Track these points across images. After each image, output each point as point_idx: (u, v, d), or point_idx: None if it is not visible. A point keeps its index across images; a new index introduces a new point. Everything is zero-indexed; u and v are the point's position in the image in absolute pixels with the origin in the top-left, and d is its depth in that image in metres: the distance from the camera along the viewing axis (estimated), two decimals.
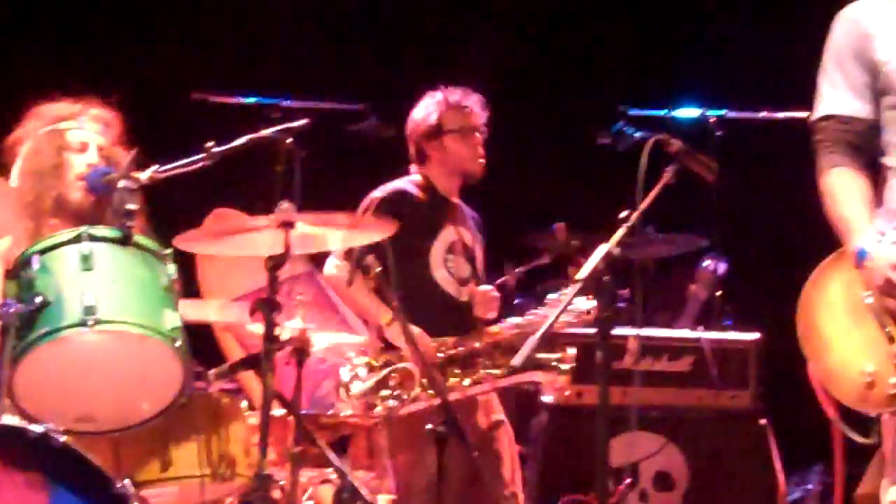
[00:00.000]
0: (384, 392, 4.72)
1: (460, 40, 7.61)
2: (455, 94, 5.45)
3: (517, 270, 6.36)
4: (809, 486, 5.78)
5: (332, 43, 7.31)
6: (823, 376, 3.51)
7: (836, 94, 3.57)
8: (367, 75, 7.21)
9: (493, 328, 5.22)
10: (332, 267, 5.19)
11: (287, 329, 4.33)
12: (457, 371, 5.06)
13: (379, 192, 5.33)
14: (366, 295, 5.02)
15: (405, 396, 4.72)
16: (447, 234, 5.38)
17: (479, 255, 5.54)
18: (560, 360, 5.02)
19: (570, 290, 4.23)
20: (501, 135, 5.63)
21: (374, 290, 4.80)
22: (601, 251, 4.03)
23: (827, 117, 3.59)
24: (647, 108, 5.91)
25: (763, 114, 5.72)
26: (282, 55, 7.18)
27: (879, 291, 3.36)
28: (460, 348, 5.08)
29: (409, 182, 5.43)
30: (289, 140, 4.34)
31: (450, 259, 5.34)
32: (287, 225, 4.02)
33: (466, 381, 5.06)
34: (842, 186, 3.51)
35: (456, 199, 5.52)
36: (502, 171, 5.72)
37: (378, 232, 4.36)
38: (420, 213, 5.28)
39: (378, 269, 4.57)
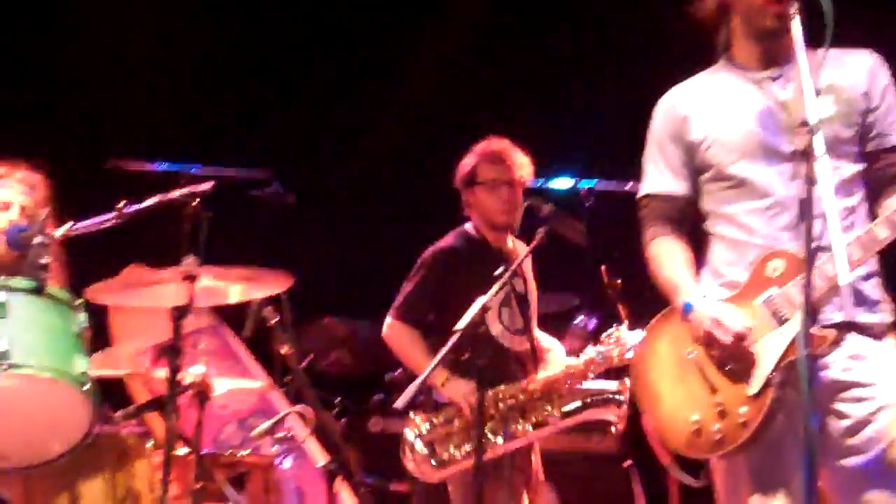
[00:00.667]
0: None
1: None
2: (495, 145, 5.20)
3: None
4: None
5: (242, 112, 7.33)
6: (656, 426, 3.57)
7: (658, 175, 3.64)
8: (275, 144, 7.26)
9: (544, 373, 5.04)
10: (387, 328, 5.16)
11: (189, 374, 4.41)
12: (518, 417, 4.90)
13: (430, 251, 5.15)
14: (421, 355, 4.95)
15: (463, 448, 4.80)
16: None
17: (532, 297, 5.24)
18: (618, 392, 5.00)
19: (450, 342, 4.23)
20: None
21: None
22: (478, 304, 4.17)
23: (650, 196, 3.69)
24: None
25: (630, 185, 5.80)
26: (193, 125, 7.21)
27: (701, 342, 3.43)
28: (520, 395, 4.91)
29: (460, 236, 5.20)
30: (195, 202, 4.43)
31: (504, 313, 5.06)
32: (191, 278, 4.13)
33: (528, 427, 4.91)
34: (665, 253, 3.61)
35: (508, 245, 5.21)
36: None
37: (275, 286, 4.43)
38: (470, 270, 4.96)
39: (275, 321, 4.70)
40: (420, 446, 4.85)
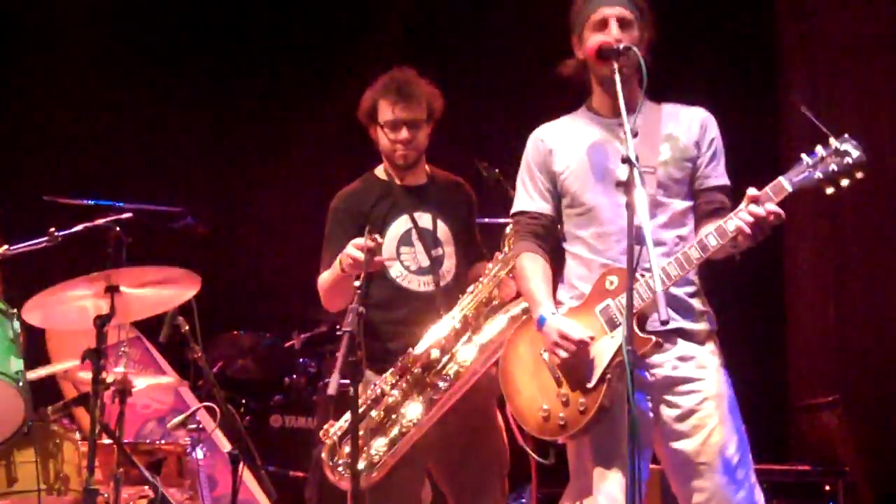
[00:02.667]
0: None
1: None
2: (397, 78, 4.22)
3: (302, 336, 6.44)
4: (523, 501, 5.88)
5: (163, 155, 7.22)
6: (515, 413, 3.58)
7: (528, 196, 3.66)
8: (191, 182, 7.17)
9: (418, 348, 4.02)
10: (319, 287, 4.19)
11: (112, 374, 4.34)
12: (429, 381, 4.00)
13: (334, 199, 4.27)
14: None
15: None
16: (397, 226, 4.17)
17: (451, 229, 4.22)
18: None
19: None
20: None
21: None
22: (353, 309, 3.90)
23: (520, 213, 3.70)
24: None
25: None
26: (119, 167, 7.10)
27: (550, 351, 3.46)
28: (410, 372, 4.00)
29: (364, 178, 4.30)
30: (116, 227, 4.38)
31: (404, 251, 4.16)
32: (112, 290, 4.03)
33: (418, 411, 3.98)
34: (529, 268, 3.61)
35: (421, 179, 4.28)
36: None
37: (186, 287, 4.27)
38: (362, 215, 4.15)
39: (186, 328, 4.63)
40: (342, 466, 3.97)
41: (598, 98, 3.62)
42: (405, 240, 4.16)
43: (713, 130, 3.61)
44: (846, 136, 3.34)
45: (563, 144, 3.61)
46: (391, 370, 4.03)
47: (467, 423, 4.07)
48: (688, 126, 3.58)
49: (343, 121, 4.50)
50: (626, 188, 3.15)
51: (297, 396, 6.42)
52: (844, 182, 3.31)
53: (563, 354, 3.40)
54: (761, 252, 3.50)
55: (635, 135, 3.20)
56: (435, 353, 4.01)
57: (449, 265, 4.18)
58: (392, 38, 7.15)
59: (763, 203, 3.27)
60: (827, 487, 5.55)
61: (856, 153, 3.29)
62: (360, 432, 3.79)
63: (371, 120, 4.22)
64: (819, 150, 3.33)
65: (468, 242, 4.28)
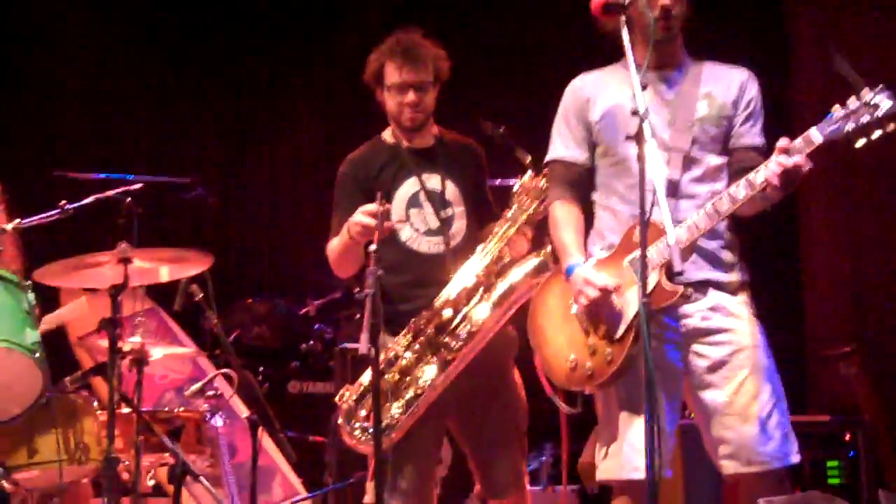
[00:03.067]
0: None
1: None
2: (404, 41, 4.16)
3: (317, 302, 6.44)
4: (543, 458, 5.90)
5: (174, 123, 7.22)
6: (543, 363, 3.60)
7: (563, 144, 3.67)
8: (201, 154, 7.17)
9: (444, 293, 4.01)
10: (328, 253, 4.16)
11: (128, 343, 4.34)
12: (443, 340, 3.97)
13: (341, 165, 4.24)
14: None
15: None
16: (406, 189, 4.14)
17: (460, 189, 4.17)
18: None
19: None
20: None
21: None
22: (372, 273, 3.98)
23: (554, 161, 3.70)
24: None
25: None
26: (130, 141, 7.12)
27: (575, 300, 3.48)
28: (424, 333, 3.99)
29: (371, 143, 4.27)
30: (127, 199, 4.38)
31: (413, 213, 4.12)
32: (125, 261, 4.06)
33: (433, 372, 3.96)
34: (561, 217, 3.63)
35: (429, 142, 4.22)
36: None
37: (199, 265, 4.33)
38: (371, 179, 4.13)
39: (200, 296, 4.63)
40: (358, 430, 4.00)
41: (639, 53, 3.49)
42: (414, 202, 4.13)
43: (752, 90, 3.61)
44: (881, 86, 3.30)
45: (600, 94, 3.62)
46: (404, 332, 4.01)
47: (484, 383, 4.05)
48: (727, 85, 3.59)
49: (352, 85, 4.46)
50: (636, 141, 3.14)
51: (313, 362, 6.43)
52: (876, 133, 3.26)
53: (585, 301, 3.41)
54: (777, 208, 3.49)
55: (644, 87, 3.18)
56: (448, 314, 3.98)
57: (459, 226, 4.14)
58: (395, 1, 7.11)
59: (793, 154, 3.26)
60: (847, 437, 5.56)
61: (889, 103, 3.24)
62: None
63: (377, 83, 4.17)
64: (851, 101, 3.29)
65: (479, 203, 4.24)
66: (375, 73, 4.17)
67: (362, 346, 3.45)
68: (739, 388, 3.40)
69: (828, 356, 6.08)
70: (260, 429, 4.53)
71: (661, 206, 3.06)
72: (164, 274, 4.33)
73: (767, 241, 7.07)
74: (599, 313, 3.44)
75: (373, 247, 3.67)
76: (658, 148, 3.35)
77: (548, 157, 3.73)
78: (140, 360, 4.36)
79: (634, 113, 3.13)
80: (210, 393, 4.84)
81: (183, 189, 5.85)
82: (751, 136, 3.58)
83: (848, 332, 6.95)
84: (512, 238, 4.04)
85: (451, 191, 4.16)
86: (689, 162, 3.49)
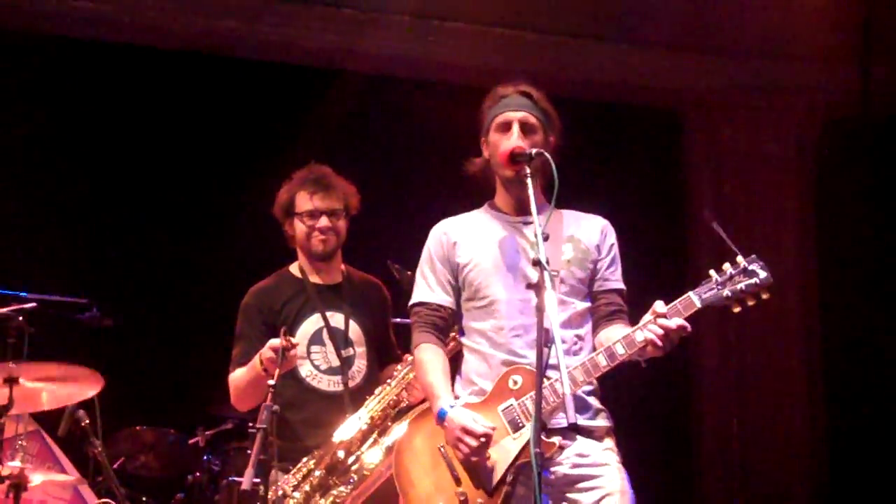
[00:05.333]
0: None
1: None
2: (315, 171, 4.29)
3: (207, 433, 6.32)
4: None
5: (69, 248, 7.09)
6: None
7: (427, 287, 3.65)
8: (97, 276, 7.04)
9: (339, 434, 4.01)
10: (229, 383, 4.19)
11: (7, 467, 4.20)
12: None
13: (247, 294, 4.23)
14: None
15: None
16: (309, 325, 4.16)
17: (363, 329, 4.21)
18: None
19: None
20: None
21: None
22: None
23: (420, 304, 3.67)
24: None
25: None
26: (24, 258, 6.96)
27: (452, 446, 3.43)
28: (314, 474, 3.97)
29: (277, 274, 4.29)
30: (19, 317, 4.30)
31: (315, 350, 4.14)
32: (11, 381, 3.96)
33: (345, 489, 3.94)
34: (428, 360, 3.60)
35: (336, 279, 4.27)
36: None
37: (88, 387, 4.25)
38: (274, 313, 4.13)
39: (86, 421, 4.52)
40: None
41: (501, 197, 3.69)
42: (316, 339, 4.13)
43: (612, 236, 3.70)
44: (754, 256, 3.41)
45: (466, 238, 3.65)
46: (293, 471, 3.97)
47: None
48: (589, 230, 3.67)
49: (255, 217, 4.48)
50: (536, 290, 3.18)
51: (199, 494, 6.25)
52: (751, 302, 3.38)
53: (467, 450, 3.37)
54: (667, 361, 3.53)
55: (546, 238, 3.24)
56: (340, 455, 3.97)
57: (359, 365, 4.16)
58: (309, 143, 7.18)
59: (671, 317, 3.32)
60: None
61: (763, 274, 3.38)
62: None
63: (287, 213, 4.22)
64: (727, 267, 3.39)
65: (382, 343, 4.28)
66: (286, 205, 4.22)
67: (246, 480, 3.43)
68: None
69: None
70: None
71: (559, 357, 3.08)
72: (51, 398, 4.21)
73: (657, 398, 7.16)
74: (473, 460, 3.39)
75: (270, 381, 3.67)
76: (521, 291, 3.43)
77: (412, 301, 3.71)
78: (18, 485, 4.22)
79: (535, 263, 3.18)
80: None
81: (77, 309, 5.73)
82: (615, 280, 3.65)
83: (734, 493, 7.03)
84: (411, 382, 4.04)
85: (354, 330, 4.18)
86: (558, 305, 3.48)
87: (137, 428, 6.39)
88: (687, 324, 3.34)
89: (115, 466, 6.11)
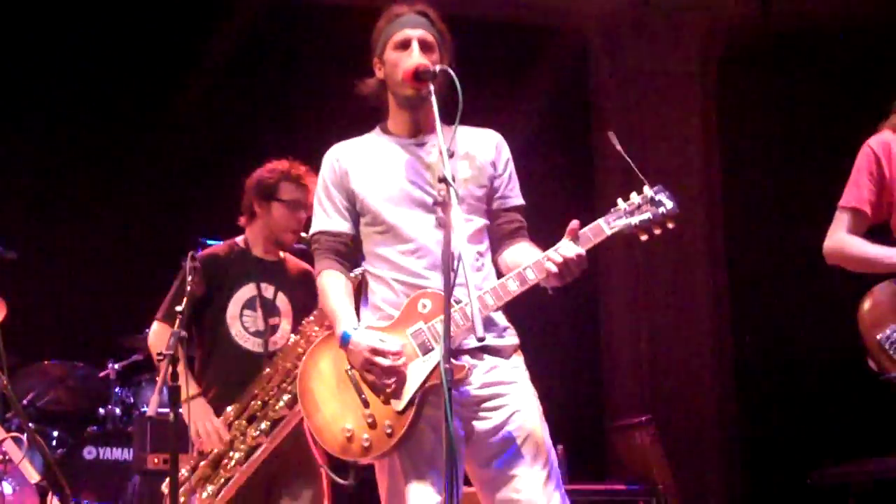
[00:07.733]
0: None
1: None
2: (299, 168, 4.63)
3: (117, 365, 6.25)
4: None
5: None
6: (314, 430, 3.44)
7: (325, 215, 3.60)
8: (5, 206, 6.90)
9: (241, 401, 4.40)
10: (151, 332, 4.57)
11: None
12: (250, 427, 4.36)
13: (199, 256, 4.54)
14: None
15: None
16: (244, 292, 4.56)
17: (291, 302, 4.60)
18: None
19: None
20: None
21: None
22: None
23: (320, 232, 3.61)
24: None
25: None
26: None
27: (361, 368, 3.38)
28: (243, 413, 4.37)
29: (228, 244, 4.69)
30: None
31: (247, 314, 4.53)
32: None
33: (239, 454, 4.33)
34: (330, 285, 3.54)
35: (274, 257, 4.69)
36: None
37: None
38: (222, 274, 4.54)
39: None
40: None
41: (395, 119, 3.58)
42: (250, 304, 4.55)
43: (506, 151, 3.64)
44: (660, 186, 3.41)
45: (360, 163, 3.57)
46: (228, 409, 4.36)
47: (289, 466, 4.40)
48: (483, 146, 3.60)
49: (161, 159, 4.45)
50: (442, 207, 3.15)
51: (112, 427, 6.21)
52: (657, 231, 3.39)
53: (378, 370, 3.33)
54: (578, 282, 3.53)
55: (451, 155, 3.21)
56: (256, 404, 4.39)
57: (282, 333, 4.55)
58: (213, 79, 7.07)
59: (582, 242, 3.32)
60: None
61: (669, 204, 3.37)
62: (193, 481, 4.29)
63: (266, 196, 4.58)
64: (634, 197, 3.39)
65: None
66: (269, 187, 4.58)
67: (151, 408, 3.63)
68: (520, 450, 3.38)
69: (624, 425, 6.21)
70: (50, 495, 4.33)
71: (467, 276, 3.05)
72: None
73: (568, 312, 7.25)
74: (379, 384, 3.35)
75: (178, 307, 3.91)
76: (421, 211, 3.41)
77: (311, 231, 3.65)
78: None
79: (442, 180, 3.15)
80: None
81: None
82: (514, 196, 3.62)
83: (643, 402, 7.16)
84: (310, 335, 4.37)
85: (283, 301, 4.60)
86: None
87: (45, 362, 6.32)
88: (583, 254, 3.31)
89: (24, 402, 6.05)
